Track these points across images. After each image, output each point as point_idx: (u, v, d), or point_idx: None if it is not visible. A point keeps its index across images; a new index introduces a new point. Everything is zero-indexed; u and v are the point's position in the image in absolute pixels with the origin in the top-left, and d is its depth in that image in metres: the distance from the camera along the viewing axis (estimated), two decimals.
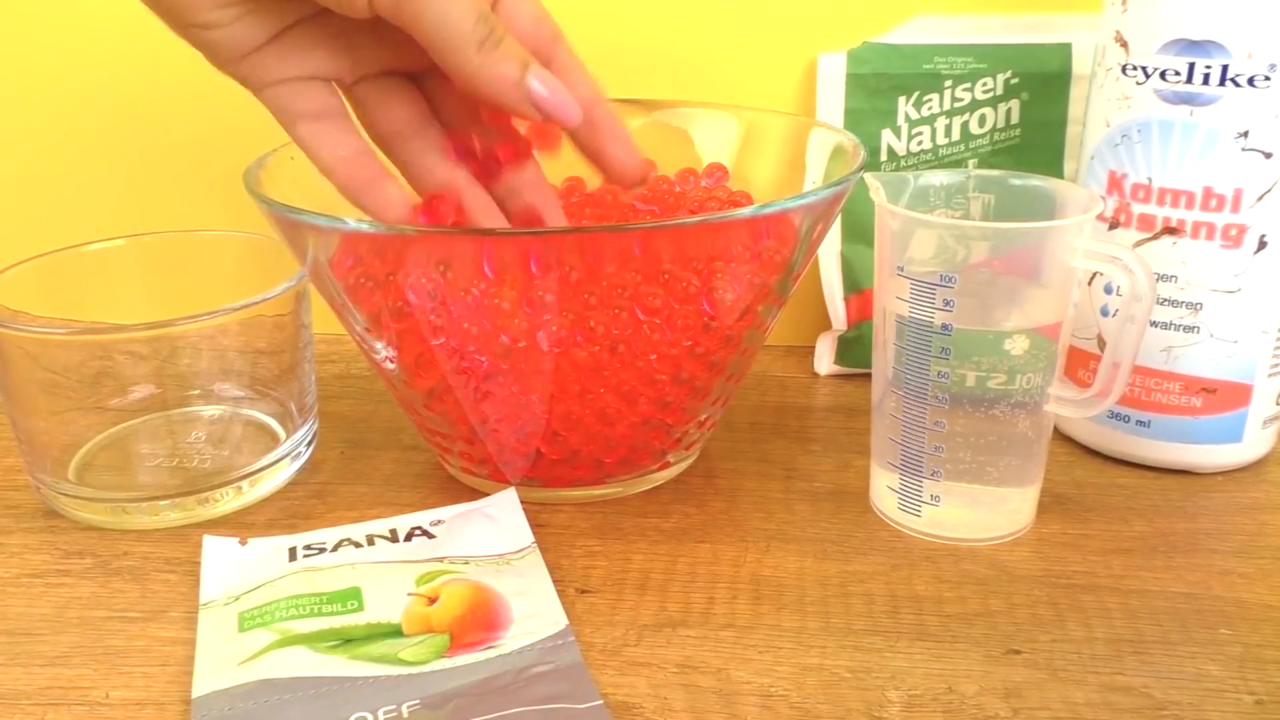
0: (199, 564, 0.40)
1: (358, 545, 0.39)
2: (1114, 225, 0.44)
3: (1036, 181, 0.40)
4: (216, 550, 0.39)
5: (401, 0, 0.32)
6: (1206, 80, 0.40)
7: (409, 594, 0.36)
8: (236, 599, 0.37)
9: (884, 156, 0.54)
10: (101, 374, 0.44)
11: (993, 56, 0.52)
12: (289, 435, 0.46)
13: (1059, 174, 0.53)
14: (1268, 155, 0.40)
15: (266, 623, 0.35)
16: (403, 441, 0.49)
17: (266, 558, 0.39)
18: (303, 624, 0.35)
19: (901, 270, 0.38)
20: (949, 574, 0.39)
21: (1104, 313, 0.45)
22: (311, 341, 0.47)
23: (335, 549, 0.39)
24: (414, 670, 0.33)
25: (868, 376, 0.43)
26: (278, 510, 0.44)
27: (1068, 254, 0.37)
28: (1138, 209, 0.43)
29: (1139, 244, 0.43)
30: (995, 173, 0.41)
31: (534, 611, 0.36)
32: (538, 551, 0.39)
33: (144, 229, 0.50)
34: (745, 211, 0.39)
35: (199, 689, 0.33)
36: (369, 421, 0.51)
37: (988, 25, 0.53)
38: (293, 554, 0.39)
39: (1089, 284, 0.45)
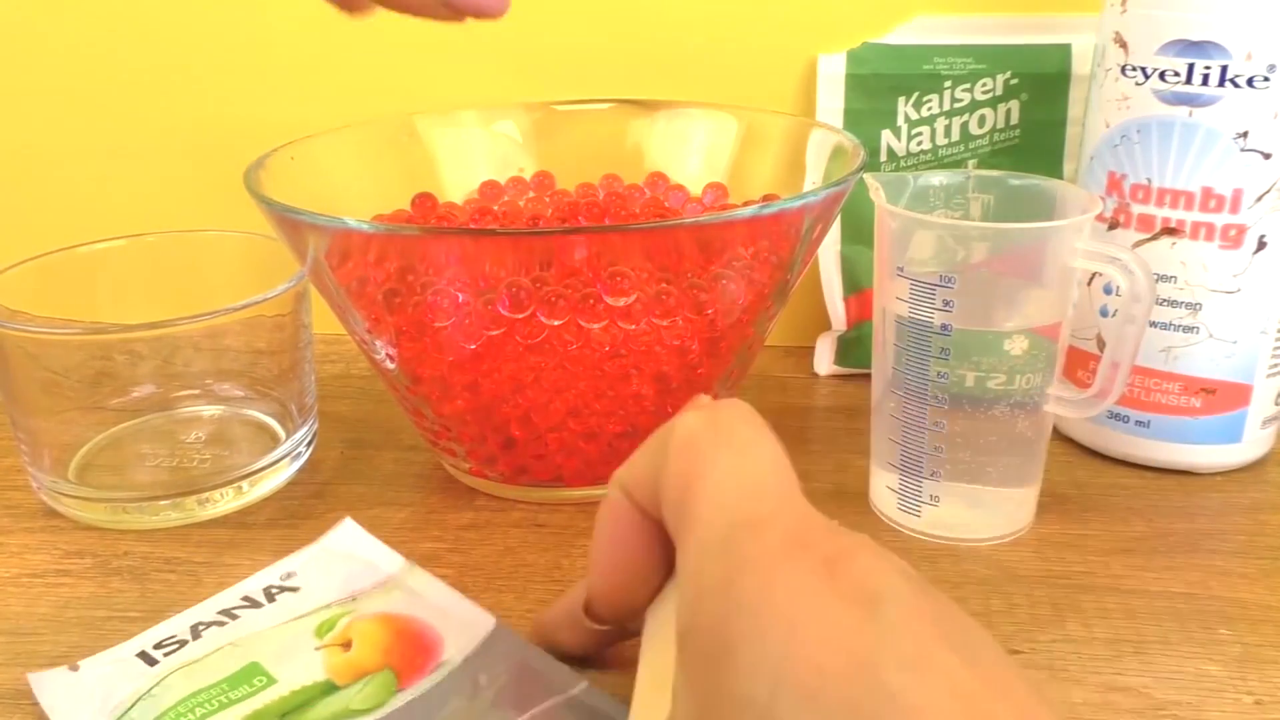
0: (199, 564, 0.40)
1: (221, 624, 0.35)
2: (1113, 226, 0.44)
3: (1036, 182, 0.41)
4: (50, 688, 0.33)
5: None
6: (1206, 81, 0.40)
7: (316, 648, 0.33)
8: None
9: (884, 157, 0.54)
10: (102, 374, 0.44)
11: (992, 57, 0.52)
12: (289, 435, 0.46)
13: (1058, 175, 0.53)
14: (1267, 156, 0.40)
15: None
16: (403, 441, 0.49)
17: (116, 674, 0.33)
18: (220, 715, 0.31)
19: (901, 271, 0.38)
20: (949, 574, 0.39)
21: (1103, 313, 0.45)
22: (311, 341, 0.47)
23: (197, 637, 0.34)
24: (379, 714, 0.30)
25: (867, 377, 0.43)
26: (277, 510, 0.44)
27: (1067, 254, 0.37)
28: (1137, 209, 0.43)
29: (1138, 244, 0.43)
30: (995, 173, 0.41)
31: (459, 619, 0.34)
32: (417, 568, 0.37)
33: (144, 229, 0.50)
34: (745, 211, 0.39)
35: None
36: (369, 421, 0.51)
37: (987, 26, 0.53)
38: (148, 659, 0.33)
39: (1088, 284, 0.45)
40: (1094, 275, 0.45)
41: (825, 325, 0.57)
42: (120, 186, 0.59)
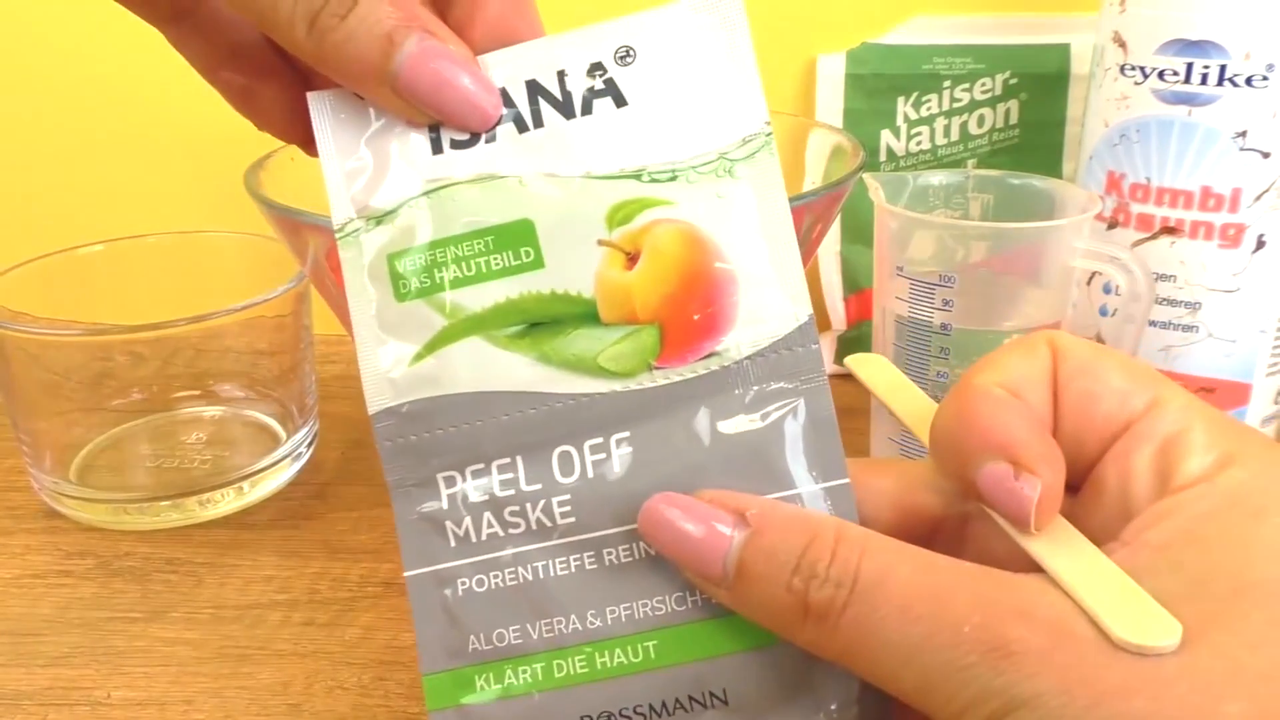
0: (200, 564, 0.40)
1: (521, 125, 0.25)
2: (1113, 225, 0.44)
3: (1035, 182, 0.41)
4: (327, 113, 0.25)
5: None
6: (1205, 80, 0.40)
7: (599, 240, 0.25)
8: (378, 221, 0.25)
9: (883, 157, 0.54)
10: (103, 375, 0.44)
11: (991, 57, 0.52)
12: (289, 436, 0.46)
13: (1058, 174, 0.53)
14: (1266, 155, 0.40)
15: (427, 287, 0.25)
16: None
17: (396, 130, 0.25)
18: (471, 292, 0.25)
19: (901, 270, 0.38)
20: None
21: (1103, 312, 0.45)
22: (312, 342, 0.47)
23: (490, 137, 0.25)
24: (619, 387, 0.24)
25: None
26: (278, 511, 0.44)
27: (1067, 254, 0.37)
28: (1136, 209, 0.43)
29: (1137, 244, 0.43)
30: (994, 173, 0.41)
31: (764, 286, 0.25)
32: (771, 145, 0.25)
33: (145, 230, 0.50)
34: None
35: (373, 403, 0.25)
36: (369, 422, 0.51)
37: (986, 26, 0.53)
38: (435, 141, 0.25)
39: (1088, 284, 0.45)
40: (1093, 274, 0.45)
41: (825, 325, 0.57)
42: (121, 188, 0.59)
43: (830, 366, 0.56)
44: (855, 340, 0.55)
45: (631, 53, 0.26)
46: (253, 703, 0.33)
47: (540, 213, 0.25)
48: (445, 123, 0.24)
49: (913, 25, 0.53)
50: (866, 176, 0.40)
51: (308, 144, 0.26)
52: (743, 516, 0.22)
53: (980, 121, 0.53)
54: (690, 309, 0.24)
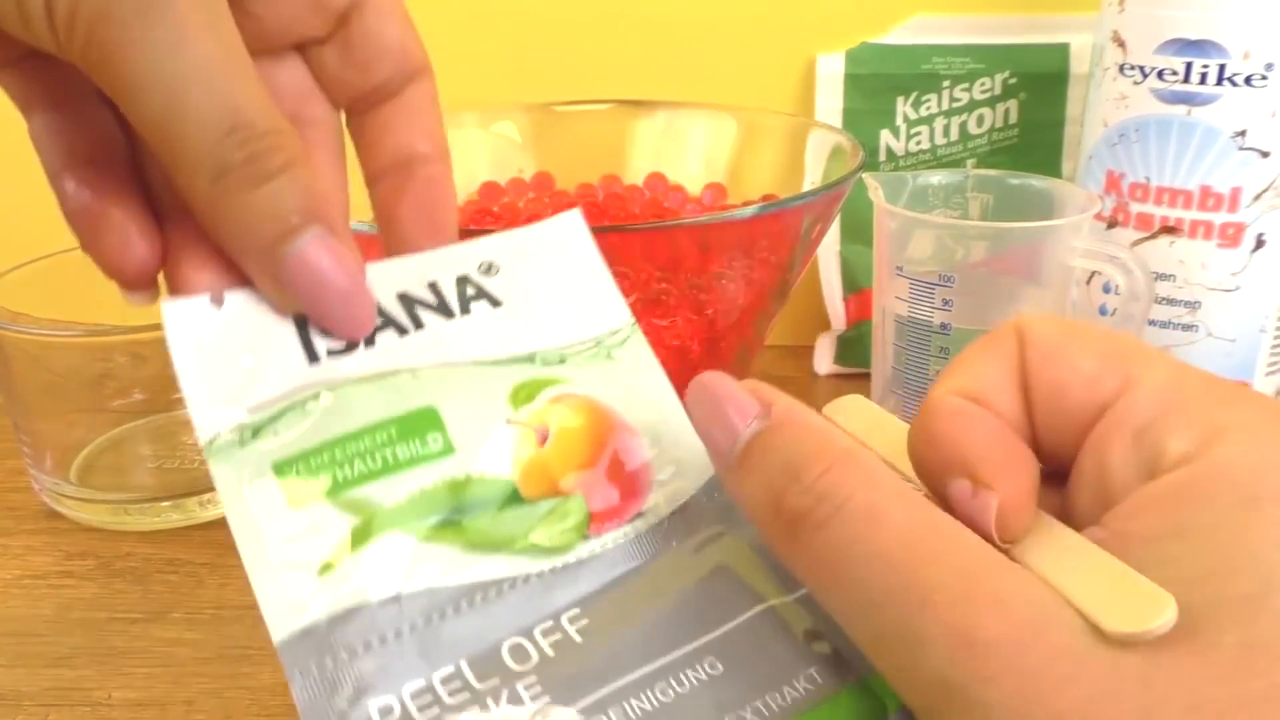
0: (201, 565, 0.40)
1: (400, 328, 0.25)
2: (1112, 224, 0.44)
3: (1035, 181, 0.41)
4: (184, 324, 0.24)
5: (96, 41, 0.19)
6: (1204, 80, 0.40)
7: (509, 420, 0.24)
8: (256, 432, 0.23)
9: (882, 157, 0.54)
10: (103, 376, 0.44)
11: (991, 57, 0.52)
12: None
13: (1057, 174, 0.53)
14: (1265, 154, 0.40)
15: (328, 488, 0.22)
16: None
17: (267, 339, 0.24)
18: (380, 486, 0.23)
19: (900, 270, 0.38)
20: None
21: (1102, 312, 0.45)
22: None
23: (370, 343, 0.24)
24: (557, 563, 0.23)
25: (867, 376, 0.43)
26: None
27: (1066, 253, 0.37)
28: (1136, 208, 0.43)
29: (1137, 243, 0.43)
30: (993, 173, 0.41)
31: (676, 439, 0.25)
32: (638, 333, 0.27)
33: None
34: (745, 211, 0.39)
35: (278, 629, 0.21)
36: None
37: (985, 26, 0.53)
38: (309, 348, 0.24)
39: (1087, 283, 0.45)
40: (1093, 274, 0.45)
41: (825, 325, 0.57)
42: None
43: (830, 366, 0.56)
44: (855, 340, 0.55)
45: (494, 266, 0.27)
46: (253, 703, 0.33)
47: (442, 399, 0.24)
48: (316, 323, 0.23)
49: (912, 25, 0.53)
50: (866, 176, 0.40)
51: (137, 284, 0.24)
52: (769, 409, 0.21)
53: (979, 121, 0.53)
54: (609, 474, 0.24)
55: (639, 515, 0.24)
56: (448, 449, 0.24)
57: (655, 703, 0.21)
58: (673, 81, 0.55)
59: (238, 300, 0.24)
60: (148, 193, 0.24)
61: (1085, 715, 0.16)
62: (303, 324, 0.24)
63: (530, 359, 0.26)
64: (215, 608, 0.38)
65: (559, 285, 0.27)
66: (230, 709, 0.33)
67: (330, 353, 0.24)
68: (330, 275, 0.22)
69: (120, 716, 0.33)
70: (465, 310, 0.26)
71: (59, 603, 0.39)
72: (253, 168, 0.21)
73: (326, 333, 0.23)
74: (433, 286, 0.26)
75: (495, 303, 0.26)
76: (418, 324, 0.25)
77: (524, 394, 0.25)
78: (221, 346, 0.23)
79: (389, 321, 0.25)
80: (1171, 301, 0.43)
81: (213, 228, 0.22)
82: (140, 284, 0.25)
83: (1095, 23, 0.44)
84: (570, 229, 0.28)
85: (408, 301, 0.26)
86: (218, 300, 0.24)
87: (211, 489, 0.43)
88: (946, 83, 0.53)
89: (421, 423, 0.24)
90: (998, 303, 0.38)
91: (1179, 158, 0.41)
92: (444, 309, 0.26)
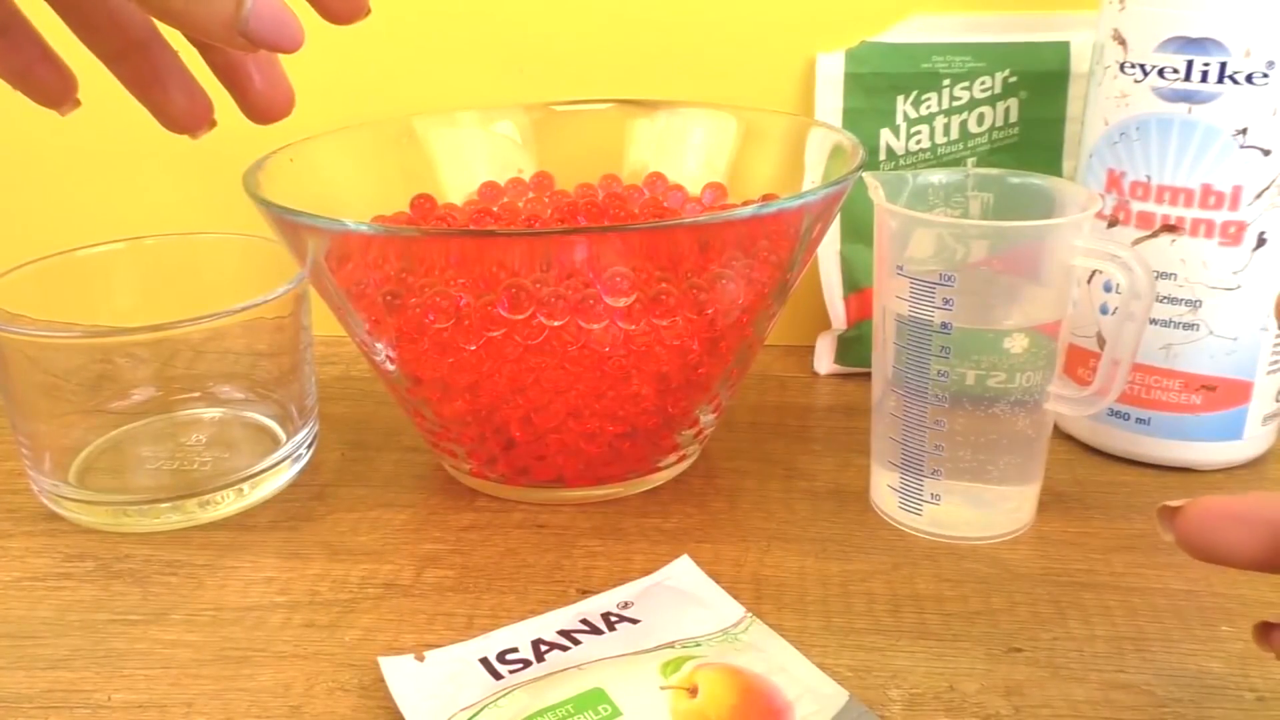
0: (200, 567, 0.40)
1: (563, 648, 0.34)
2: (1113, 223, 0.44)
3: (1035, 180, 0.41)
4: (400, 675, 0.33)
5: None
6: (1205, 78, 0.40)
7: (662, 687, 0.32)
8: None
9: (883, 156, 0.54)
10: (102, 377, 0.44)
11: (991, 55, 0.52)
12: (289, 437, 0.46)
13: (1058, 172, 0.53)
14: (1266, 152, 0.40)
15: None
16: (403, 443, 0.49)
17: (460, 676, 0.33)
18: None
19: (901, 269, 0.38)
20: (950, 572, 0.39)
21: (1103, 311, 0.45)
22: (312, 343, 0.47)
23: (540, 659, 0.34)
24: None
25: (868, 376, 0.43)
26: (278, 512, 0.44)
27: (1067, 252, 0.37)
28: (1136, 207, 0.43)
29: (1138, 242, 0.43)
30: (994, 171, 0.41)
31: (805, 687, 0.32)
32: (758, 620, 0.36)
33: (144, 232, 0.50)
34: (745, 211, 0.39)
35: None
36: (369, 423, 0.51)
37: (986, 24, 0.53)
38: (491, 670, 0.33)
39: (1088, 282, 0.45)
40: (1094, 273, 0.45)
41: (825, 324, 0.57)
42: (120, 189, 0.59)
43: (830, 366, 0.56)
44: (855, 340, 0.55)
45: (629, 604, 0.36)
46: (253, 705, 0.33)
47: (606, 681, 0.32)
48: (277, 50, 0.29)
49: (912, 24, 0.53)
50: (866, 175, 0.40)
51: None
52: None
53: (980, 120, 0.53)
54: (755, 713, 0.31)
55: None
56: (615, 712, 0.31)
57: None
58: (673, 81, 0.55)
59: (435, 655, 0.34)
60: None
61: None
62: (486, 661, 0.34)
63: (672, 645, 0.34)
64: (215, 609, 0.38)
65: (684, 602, 0.36)
66: (230, 711, 0.33)
67: (511, 671, 0.33)
68: (281, 18, 0.28)
69: (120, 718, 0.33)
70: (611, 629, 0.35)
71: (58, 605, 0.38)
72: None
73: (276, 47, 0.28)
74: (584, 621, 0.35)
75: (635, 621, 0.35)
76: (575, 642, 0.34)
77: (672, 666, 0.32)
78: (430, 683, 0.33)
79: (552, 646, 0.34)
80: (1173, 300, 0.43)
81: (189, 27, 0.28)
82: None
83: (1096, 21, 0.44)
84: (683, 567, 0.38)
85: (565, 633, 0.35)
86: (420, 657, 0.34)
87: (211, 490, 0.43)
88: (947, 81, 0.53)
89: (592, 698, 0.31)
90: (999, 302, 0.38)
91: (1180, 156, 0.41)
92: (594, 631, 0.35)
